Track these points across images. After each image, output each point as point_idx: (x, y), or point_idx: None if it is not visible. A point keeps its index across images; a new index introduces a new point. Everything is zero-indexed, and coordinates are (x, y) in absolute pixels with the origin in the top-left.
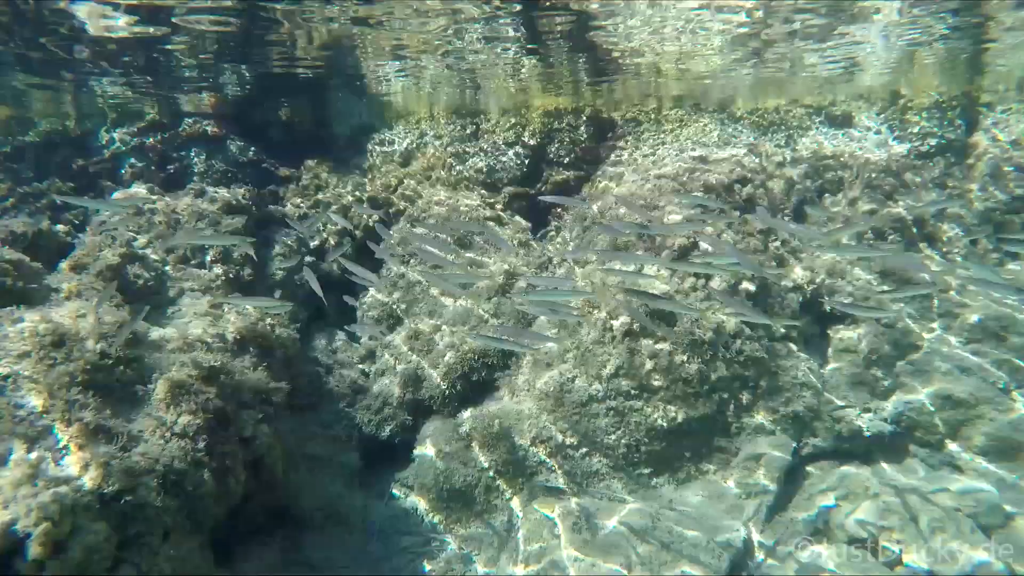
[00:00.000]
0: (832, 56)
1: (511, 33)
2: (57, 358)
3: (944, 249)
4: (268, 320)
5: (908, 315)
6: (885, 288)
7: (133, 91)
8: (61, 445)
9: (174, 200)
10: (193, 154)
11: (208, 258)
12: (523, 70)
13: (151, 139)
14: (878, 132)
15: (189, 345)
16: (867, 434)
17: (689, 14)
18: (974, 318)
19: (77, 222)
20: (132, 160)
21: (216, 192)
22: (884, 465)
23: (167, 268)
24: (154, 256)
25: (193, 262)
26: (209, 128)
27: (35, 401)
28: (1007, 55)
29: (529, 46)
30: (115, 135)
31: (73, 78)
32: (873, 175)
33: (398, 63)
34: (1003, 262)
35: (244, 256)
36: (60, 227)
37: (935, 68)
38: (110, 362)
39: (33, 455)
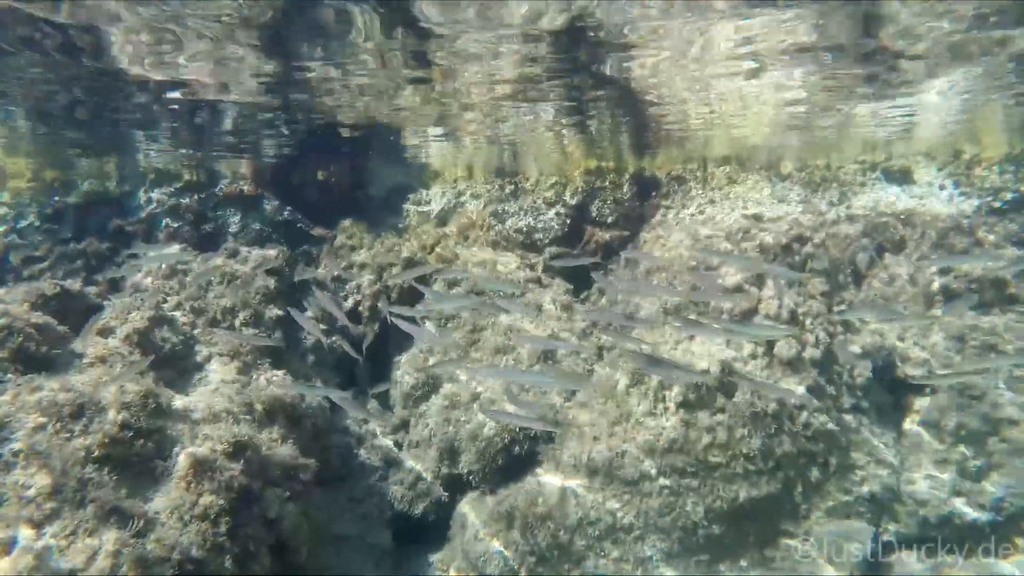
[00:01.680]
0: (887, 116)
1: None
2: (75, 430)
3: None
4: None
5: (997, 386)
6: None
7: (175, 156)
8: (69, 531)
9: (207, 260)
10: (228, 214)
11: (238, 322)
12: (565, 139)
13: (187, 199)
14: (942, 187)
15: (215, 416)
16: (959, 521)
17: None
18: None
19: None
20: (168, 220)
21: (249, 252)
22: (985, 560)
23: (196, 331)
24: (183, 319)
25: (224, 324)
26: (245, 188)
27: (45, 480)
28: None
29: (569, 117)
30: (153, 195)
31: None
32: (942, 233)
33: (439, 130)
34: None
35: (275, 319)
36: (92, 288)
37: (1004, 123)
38: (130, 435)
39: (39, 544)
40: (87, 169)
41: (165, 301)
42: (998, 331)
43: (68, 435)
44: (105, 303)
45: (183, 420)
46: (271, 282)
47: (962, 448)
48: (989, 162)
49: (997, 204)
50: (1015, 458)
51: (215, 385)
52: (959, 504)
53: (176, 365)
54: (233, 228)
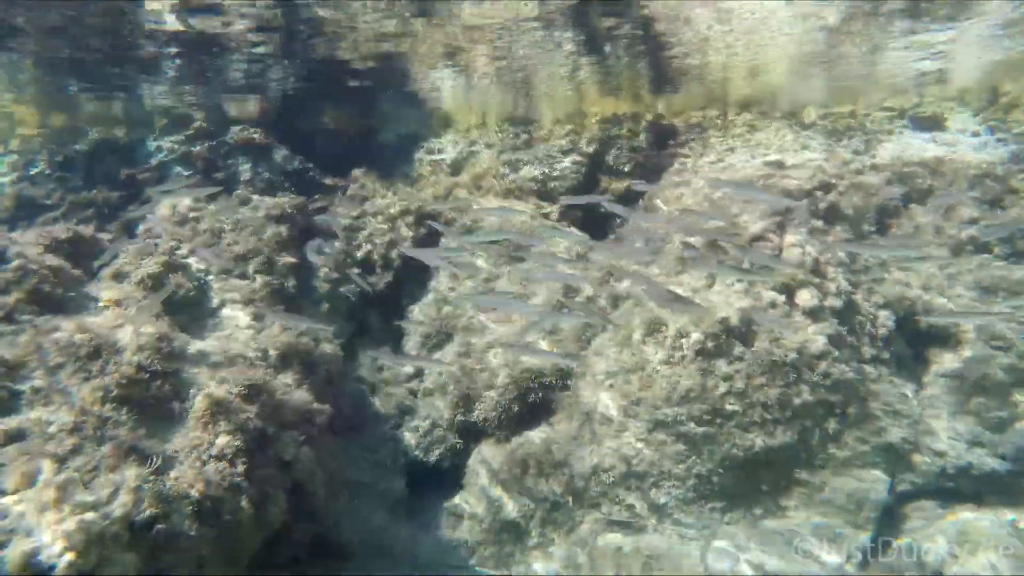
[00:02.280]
0: (919, 53)
1: (568, 35)
2: (92, 370)
3: None
4: (311, 336)
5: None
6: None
7: (181, 97)
8: (91, 467)
9: (218, 208)
10: (239, 162)
11: (251, 268)
12: (580, 73)
13: (198, 147)
14: (975, 135)
15: (230, 360)
16: (977, 472)
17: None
18: None
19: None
20: (179, 169)
21: (261, 200)
22: (1004, 511)
23: (210, 278)
24: (198, 265)
25: (236, 272)
26: (256, 136)
27: (66, 417)
28: None
29: (586, 50)
30: (163, 143)
31: (125, 83)
32: (974, 181)
33: (449, 67)
34: None
35: (288, 267)
36: (104, 235)
37: None
38: (147, 376)
39: (61, 476)
40: (93, 111)
41: (179, 247)
42: None
43: (86, 375)
44: (119, 248)
45: (199, 363)
46: (283, 229)
47: (983, 399)
48: None
49: None
50: None
51: (229, 330)
52: (978, 454)
53: (190, 311)
54: (245, 176)
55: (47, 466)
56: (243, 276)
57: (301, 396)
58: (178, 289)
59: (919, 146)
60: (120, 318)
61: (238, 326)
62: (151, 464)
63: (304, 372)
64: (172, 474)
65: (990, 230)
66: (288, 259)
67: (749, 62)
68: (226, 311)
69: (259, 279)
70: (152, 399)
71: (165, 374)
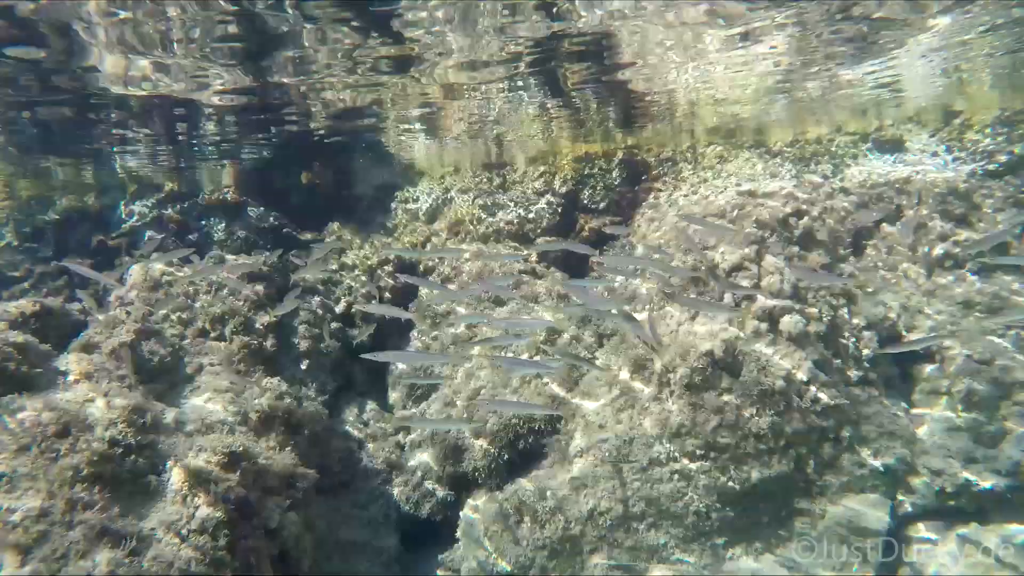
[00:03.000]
0: (872, 76)
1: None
2: (60, 450)
3: None
4: (293, 395)
5: (1008, 348)
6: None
7: (153, 163)
8: (59, 555)
9: (192, 271)
10: (213, 222)
11: (228, 330)
12: (551, 124)
13: (170, 210)
14: (935, 154)
15: (208, 427)
16: (976, 489)
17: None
18: None
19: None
20: (151, 232)
21: (235, 260)
22: (1008, 526)
23: (185, 342)
24: (171, 331)
25: (213, 335)
26: (228, 195)
27: (32, 503)
28: None
29: (554, 100)
30: (134, 208)
31: (96, 147)
32: (939, 199)
33: (421, 125)
34: None
35: (266, 326)
36: (75, 305)
37: (993, 82)
38: (120, 451)
39: (26, 570)
40: (63, 179)
41: (151, 314)
42: (1001, 295)
43: (53, 455)
44: (89, 319)
45: (175, 433)
46: (260, 288)
47: (974, 414)
48: (981, 124)
49: (992, 167)
50: None
51: (207, 396)
52: (974, 471)
53: (165, 378)
54: (218, 236)
55: (9, 558)
56: (220, 338)
57: (285, 460)
58: (152, 356)
59: (884, 168)
60: (91, 392)
61: (216, 390)
62: (125, 546)
63: (287, 434)
64: (150, 554)
65: (970, 246)
66: (266, 318)
67: (714, 98)
68: (203, 376)
69: (236, 340)
70: (127, 474)
71: (140, 447)
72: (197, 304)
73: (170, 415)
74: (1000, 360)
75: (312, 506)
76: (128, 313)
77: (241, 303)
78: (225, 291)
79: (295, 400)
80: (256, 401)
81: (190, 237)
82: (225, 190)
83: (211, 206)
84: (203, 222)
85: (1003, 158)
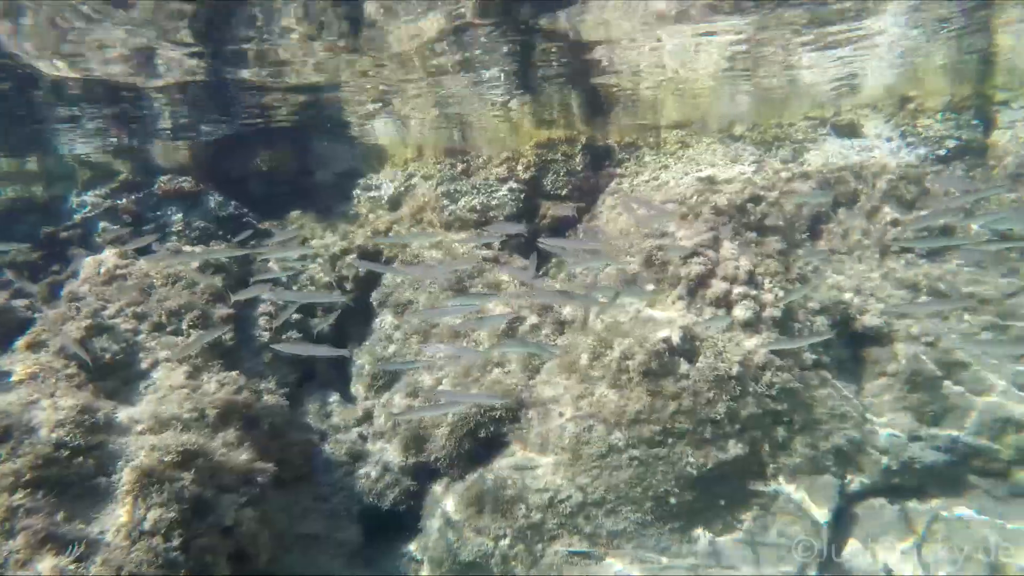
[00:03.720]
0: (833, 61)
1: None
2: (1, 454)
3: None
4: (252, 388)
5: (950, 330)
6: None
7: (103, 143)
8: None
9: (148, 264)
10: (170, 212)
11: (184, 324)
12: (512, 110)
13: (124, 200)
14: (889, 139)
15: (162, 424)
16: (918, 466)
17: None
18: (1021, 328)
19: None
20: (104, 224)
21: (193, 251)
22: (944, 500)
23: (140, 337)
24: (125, 326)
25: (169, 329)
26: (186, 184)
27: None
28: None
29: (518, 89)
30: (86, 198)
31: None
32: (892, 184)
33: (381, 106)
34: None
35: (224, 319)
36: (20, 301)
37: (944, 69)
38: (67, 453)
39: None
40: (5, 169)
41: (104, 308)
42: (945, 278)
43: None
44: (36, 315)
45: (127, 432)
46: (218, 280)
47: (918, 395)
48: (932, 111)
49: (942, 152)
50: (967, 399)
51: (162, 392)
52: (918, 449)
53: (119, 374)
54: (176, 227)
55: None
56: (176, 332)
57: (241, 455)
58: (104, 353)
59: (842, 152)
60: (35, 393)
61: (171, 386)
62: (71, 552)
63: (245, 428)
64: (98, 558)
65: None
66: (224, 311)
67: (677, 84)
68: (158, 372)
69: (193, 334)
70: (74, 477)
71: (89, 448)
72: (153, 297)
73: (122, 413)
74: (943, 342)
75: (270, 501)
76: (78, 309)
77: (198, 295)
78: (182, 283)
79: (255, 393)
80: (212, 396)
81: (145, 228)
82: (182, 179)
83: (168, 195)
84: (159, 212)
85: (951, 144)
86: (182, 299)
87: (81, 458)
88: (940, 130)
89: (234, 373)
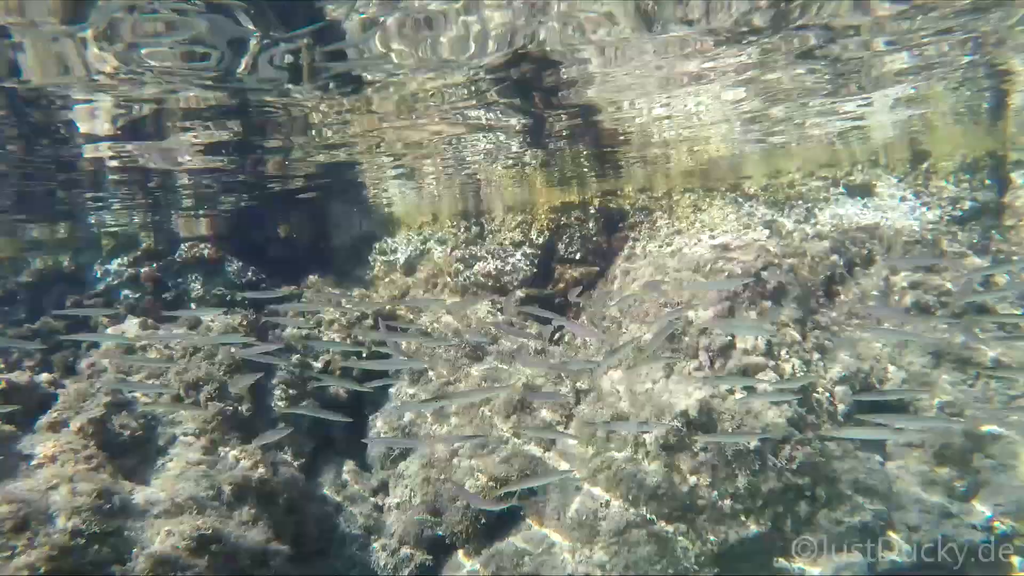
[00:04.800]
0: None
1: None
2: (17, 547)
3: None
4: (268, 462)
5: (976, 401)
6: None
7: (128, 218)
8: None
9: (167, 333)
10: (190, 280)
11: (203, 396)
12: (527, 165)
13: (146, 268)
14: (904, 199)
15: (178, 507)
16: (952, 544)
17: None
18: None
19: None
20: (126, 292)
21: (212, 321)
22: None
23: (160, 411)
24: (144, 399)
25: (188, 401)
26: (206, 251)
27: None
28: None
29: (531, 148)
30: (110, 267)
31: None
32: (906, 247)
33: (398, 173)
34: None
35: (242, 391)
36: (43, 376)
37: (954, 127)
38: (83, 541)
39: None
40: (36, 237)
41: (124, 381)
42: (969, 344)
43: (9, 554)
44: (57, 391)
45: (144, 515)
46: (235, 349)
47: (947, 469)
48: (945, 171)
49: (957, 213)
50: (999, 474)
51: (179, 470)
52: (950, 527)
53: (137, 452)
54: (196, 294)
55: None
56: (195, 404)
57: (257, 536)
58: (123, 431)
59: (855, 212)
60: (56, 477)
61: (188, 462)
62: None
63: (261, 505)
64: None
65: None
66: (244, 381)
67: (689, 140)
68: (175, 448)
69: (211, 407)
70: (89, 567)
71: (105, 535)
72: (172, 370)
73: (140, 495)
74: (969, 411)
75: None
76: (98, 386)
77: (216, 367)
78: (201, 354)
79: (271, 467)
80: (229, 473)
81: (166, 296)
82: (203, 246)
83: (188, 263)
84: (180, 279)
85: (967, 205)
86: (201, 371)
87: (97, 546)
88: (954, 191)
89: (251, 446)
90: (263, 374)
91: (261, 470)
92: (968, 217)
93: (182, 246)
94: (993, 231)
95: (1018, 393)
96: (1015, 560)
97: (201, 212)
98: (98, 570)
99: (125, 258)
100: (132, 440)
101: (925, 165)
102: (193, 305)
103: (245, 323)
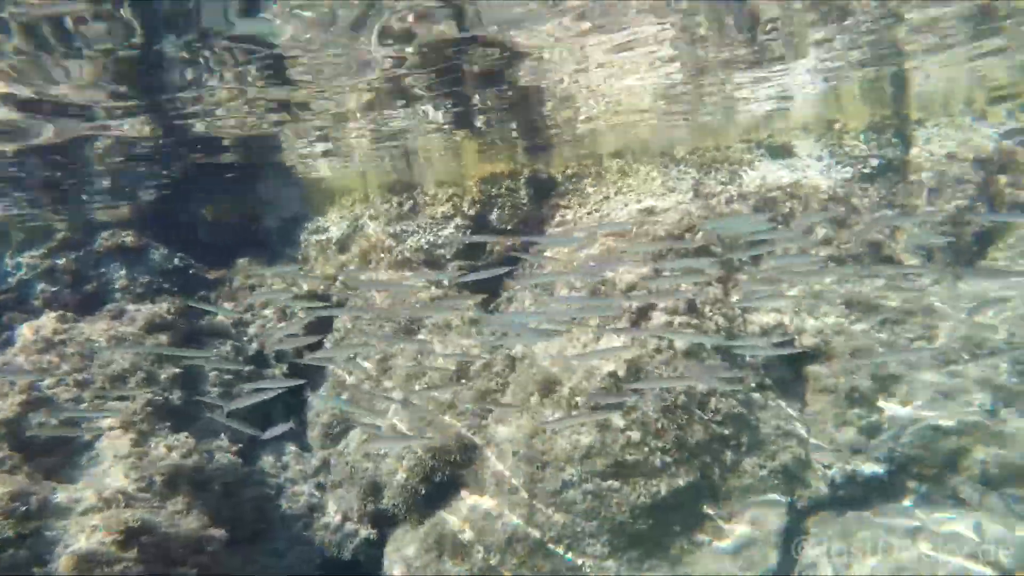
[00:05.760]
0: (764, 92)
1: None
2: None
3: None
4: (202, 450)
5: (881, 344)
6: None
7: (37, 209)
8: None
9: (89, 327)
10: (112, 269)
11: (130, 387)
12: (456, 143)
13: (63, 259)
14: (820, 158)
15: (106, 501)
16: (861, 478)
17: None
18: (945, 338)
19: None
20: (42, 285)
21: (137, 310)
22: (884, 509)
23: (83, 406)
24: (66, 395)
25: (115, 394)
26: (128, 239)
27: None
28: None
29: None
30: (21, 260)
31: None
32: (822, 204)
33: (323, 144)
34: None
35: (172, 378)
36: None
37: (862, 94)
38: None
39: None
40: None
41: (42, 380)
42: (878, 294)
43: None
44: None
45: (68, 514)
46: (163, 338)
47: (857, 409)
48: (856, 131)
49: (866, 171)
50: (899, 410)
51: (107, 463)
52: (859, 462)
53: (60, 450)
54: (119, 284)
55: None
56: (122, 398)
57: (191, 523)
58: (41, 429)
59: (777, 173)
60: None
61: (117, 455)
62: None
63: (195, 492)
64: None
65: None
66: (172, 370)
67: (615, 117)
68: (102, 443)
69: (139, 398)
70: (7, 570)
71: (21, 538)
72: (96, 363)
73: (62, 494)
74: (875, 357)
75: (223, 565)
76: (12, 384)
77: (143, 357)
78: (127, 344)
79: (206, 454)
80: (160, 464)
81: (86, 287)
82: (124, 233)
83: (109, 251)
84: (102, 269)
85: (875, 162)
86: (126, 362)
87: (12, 550)
88: (864, 149)
89: (183, 435)
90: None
91: (195, 458)
92: (877, 174)
93: (101, 234)
94: (899, 185)
95: (915, 336)
96: (911, 484)
97: (121, 196)
98: (16, 569)
99: (38, 249)
100: (53, 438)
101: (839, 125)
102: (118, 295)
103: (173, 310)
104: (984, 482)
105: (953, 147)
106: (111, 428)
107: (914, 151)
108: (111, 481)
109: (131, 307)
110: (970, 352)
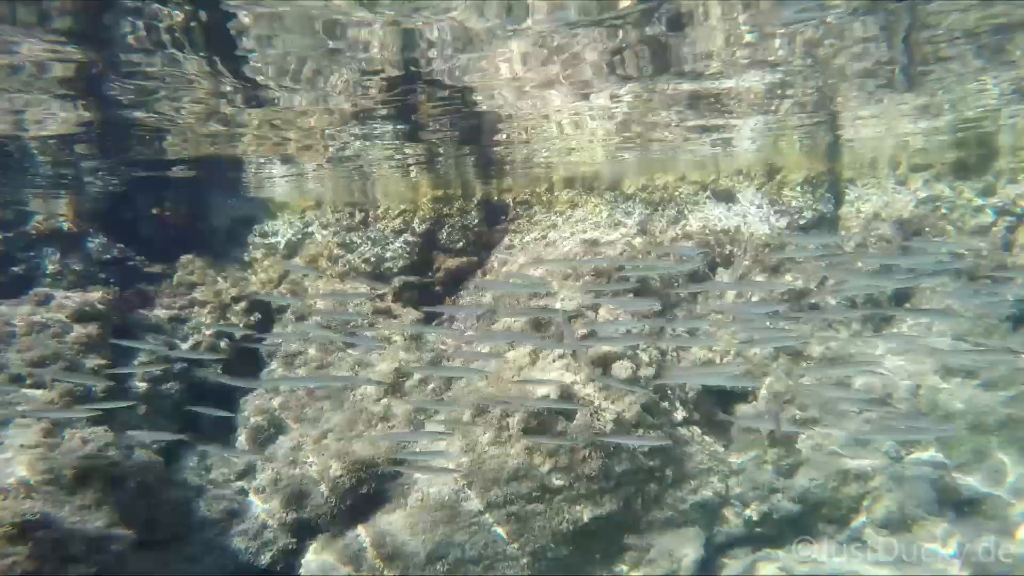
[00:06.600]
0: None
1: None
2: None
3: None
4: (121, 445)
5: (806, 386)
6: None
7: None
8: None
9: (10, 310)
10: (44, 254)
11: (49, 376)
12: (411, 168)
13: None
14: (760, 207)
15: (3, 492)
16: (776, 516)
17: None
18: (861, 384)
19: None
20: None
21: (66, 298)
22: (795, 547)
23: None
24: None
25: (29, 381)
26: (65, 224)
27: None
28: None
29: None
30: None
31: None
32: (758, 251)
33: (279, 162)
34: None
35: (96, 369)
36: None
37: (800, 150)
38: None
39: None
40: None
41: None
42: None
43: None
44: None
45: None
46: (92, 328)
47: (777, 449)
48: (793, 183)
49: (801, 222)
50: (817, 453)
51: (10, 454)
52: (776, 500)
53: None
54: (50, 270)
55: None
56: (39, 385)
57: (96, 521)
58: None
59: (720, 216)
60: None
61: (23, 446)
62: None
63: (107, 489)
64: None
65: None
66: (97, 361)
67: (565, 148)
68: (9, 430)
69: (57, 387)
70: None
71: None
72: (12, 346)
73: None
74: (799, 400)
75: (128, 566)
76: None
77: (67, 346)
78: (49, 332)
79: (124, 450)
80: (71, 456)
81: (14, 269)
82: (60, 218)
83: (42, 235)
84: (32, 253)
85: (808, 215)
86: (48, 349)
87: None
88: (800, 202)
89: (100, 428)
90: None
91: (112, 453)
92: (810, 225)
93: (36, 216)
94: (832, 238)
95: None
96: (820, 525)
97: (62, 191)
98: None
99: None
100: None
101: (778, 177)
102: (47, 281)
103: (108, 298)
104: (884, 526)
105: (878, 208)
106: (23, 416)
107: (844, 207)
108: (12, 471)
109: (59, 294)
110: (880, 401)
